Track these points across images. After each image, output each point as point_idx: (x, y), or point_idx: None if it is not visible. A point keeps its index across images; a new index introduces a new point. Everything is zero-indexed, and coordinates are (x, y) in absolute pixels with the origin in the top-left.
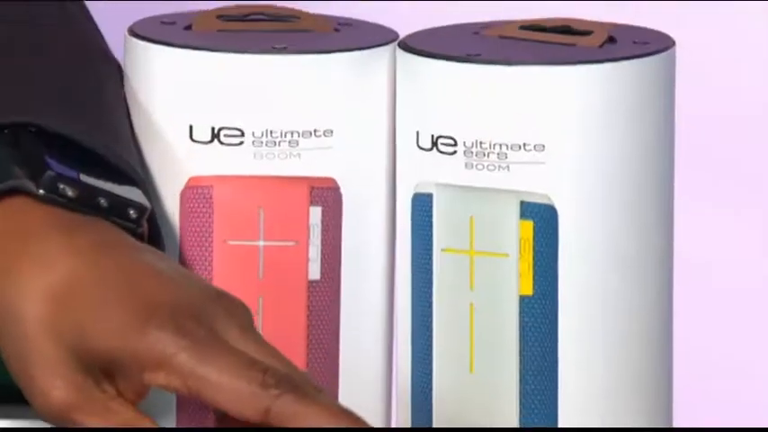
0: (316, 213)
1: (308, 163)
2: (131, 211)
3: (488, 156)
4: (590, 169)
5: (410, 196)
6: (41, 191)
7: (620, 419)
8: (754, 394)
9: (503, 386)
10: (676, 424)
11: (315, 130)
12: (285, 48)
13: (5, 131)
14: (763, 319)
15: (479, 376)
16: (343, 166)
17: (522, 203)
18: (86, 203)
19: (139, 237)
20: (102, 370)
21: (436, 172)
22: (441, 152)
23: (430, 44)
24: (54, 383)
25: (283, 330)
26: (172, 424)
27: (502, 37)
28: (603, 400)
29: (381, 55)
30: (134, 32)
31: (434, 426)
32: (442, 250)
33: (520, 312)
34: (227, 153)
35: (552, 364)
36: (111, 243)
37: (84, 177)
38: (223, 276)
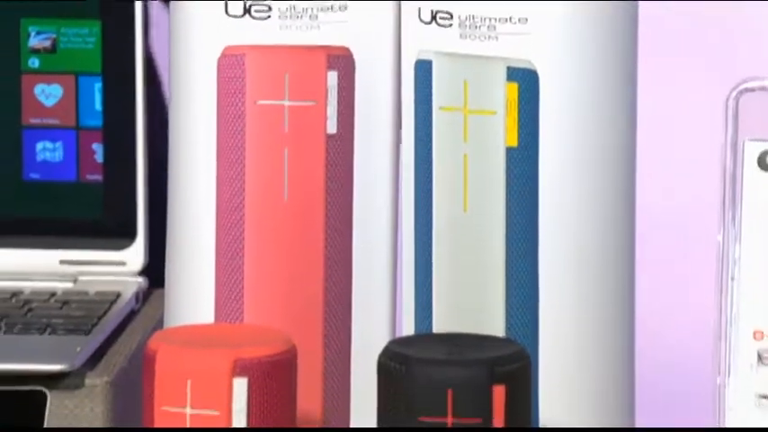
0: (333, 77)
1: (326, 34)
2: None
3: (479, 28)
4: (566, 38)
5: (413, 62)
6: None
7: (592, 253)
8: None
9: (491, 223)
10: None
11: (332, 6)
12: None
13: None
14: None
15: (471, 215)
16: (356, 36)
17: (509, 68)
18: None
19: None
20: None
21: (435, 42)
22: (439, 25)
23: None
24: None
25: (305, 177)
26: None
27: None
28: (577, 231)
29: None
30: None
31: (434, 255)
32: (440, 108)
33: (506, 161)
34: (257, 26)
35: (533, 204)
36: None
37: None
38: (254, 131)
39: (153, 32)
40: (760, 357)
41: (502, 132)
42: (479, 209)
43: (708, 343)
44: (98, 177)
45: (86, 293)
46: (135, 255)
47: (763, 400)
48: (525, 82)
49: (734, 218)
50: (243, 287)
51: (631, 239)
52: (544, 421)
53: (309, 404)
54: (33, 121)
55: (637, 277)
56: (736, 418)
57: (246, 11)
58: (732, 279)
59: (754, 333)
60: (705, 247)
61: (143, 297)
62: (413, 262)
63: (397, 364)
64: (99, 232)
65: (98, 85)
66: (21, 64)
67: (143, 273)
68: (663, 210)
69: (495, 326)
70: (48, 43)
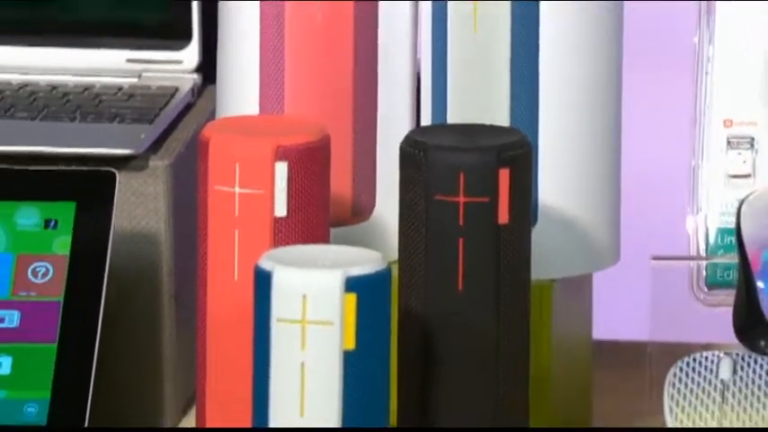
0: None
1: None
2: None
3: None
4: None
5: None
6: None
7: (586, 54)
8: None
9: (497, 37)
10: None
11: None
12: None
13: None
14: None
15: (480, 34)
16: None
17: None
18: None
19: None
20: None
21: None
22: None
23: None
24: None
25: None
26: None
27: None
28: (573, 36)
29: None
30: None
31: (449, 56)
32: None
33: None
34: None
35: (535, 17)
36: None
37: None
38: None
39: None
40: (729, 142)
41: None
42: (486, 27)
43: (684, 131)
44: None
45: (149, 88)
46: (191, 54)
47: (731, 179)
48: None
49: (708, 23)
50: (284, 83)
51: (619, 44)
52: (543, 199)
53: (341, 186)
54: None
55: (624, 73)
56: (707, 194)
57: None
58: (706, 74)
59: (725, 121)
60: (683, 47)
61: (198, 92)
62: (430, 61)
63: (416, 150)
64: (160, 35)
65: None
66: None
67: (198, 70)
68: (645, 17)
69: (501, 118)
70: None
